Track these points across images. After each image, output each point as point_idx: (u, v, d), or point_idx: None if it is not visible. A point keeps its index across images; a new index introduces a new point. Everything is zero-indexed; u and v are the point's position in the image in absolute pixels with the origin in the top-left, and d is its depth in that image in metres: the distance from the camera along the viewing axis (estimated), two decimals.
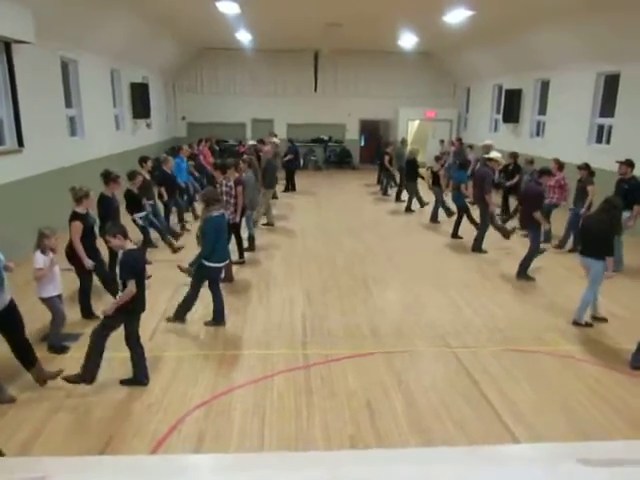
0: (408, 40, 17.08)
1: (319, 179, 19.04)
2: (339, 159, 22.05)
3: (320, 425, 4.43)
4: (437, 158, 12.20)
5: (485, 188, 9.23)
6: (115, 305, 4.69)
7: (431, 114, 21.43)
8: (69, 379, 4.72)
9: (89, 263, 6.03)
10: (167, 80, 19.66)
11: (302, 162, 19.84)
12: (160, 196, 10.04)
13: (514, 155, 12.39)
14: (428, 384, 5.13)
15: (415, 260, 9.26)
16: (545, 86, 15.10)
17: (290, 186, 16.36)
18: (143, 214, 8.52)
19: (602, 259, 6.13)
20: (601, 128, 12.55)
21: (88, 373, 4.71)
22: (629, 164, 8.64)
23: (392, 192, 15.35)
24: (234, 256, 8.12)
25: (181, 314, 6.28)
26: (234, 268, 8.07)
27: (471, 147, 16.26)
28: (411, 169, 13.16)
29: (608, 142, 12.12)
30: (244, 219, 8.91)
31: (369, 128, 22.54)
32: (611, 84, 12.06)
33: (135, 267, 4.73)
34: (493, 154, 10.18)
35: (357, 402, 4.78)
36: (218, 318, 6.29)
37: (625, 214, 7.83)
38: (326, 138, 21.89)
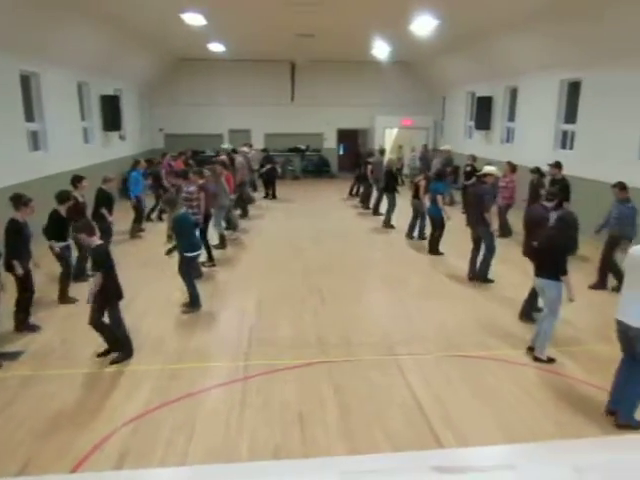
0: (381, 50, 17.20)
1: (295, 188, 19.02)
2: (317, 168, 22.11)
3: (247, 437, 4.39)
4: (420, 170, 11.66)
5: (484, 206, 8.29)
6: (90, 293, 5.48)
7: (408, 122, 21.54)
8: (115, 361, 5.59)
9: None
10: (143, 91, 19.63)
11: (280, 171, 19.86)
12: (102, 217, 8.79)
13: (472, 158, 12.70)
14: (365, 393, 5.10)
15: (379, 272, 9.22)
16: (514, 93, 15.22)
17: (270, 194, 16.66)
18: (64, 244, 7.32)
19: (557, 280, 5.49)
20: (565, 134, 12.66)
21: (124, 347, 5.68)
22: (557, 166, 9.90)
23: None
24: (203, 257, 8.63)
25: (194, 301, 7.09)
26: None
27: (436, 151, 16.32)
28: (389, 180, 12.60)
29: (571, 147, 12.25)
30: (210, 222, 9.47)
31: (347, 137, 22.63)
32: (572, 91, 12.22)
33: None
34: (487, 168, 9.00)
35: (289, 413, 4.74)
36: (194, 303, 7.06)
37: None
38: (303, 147, 21.94)
